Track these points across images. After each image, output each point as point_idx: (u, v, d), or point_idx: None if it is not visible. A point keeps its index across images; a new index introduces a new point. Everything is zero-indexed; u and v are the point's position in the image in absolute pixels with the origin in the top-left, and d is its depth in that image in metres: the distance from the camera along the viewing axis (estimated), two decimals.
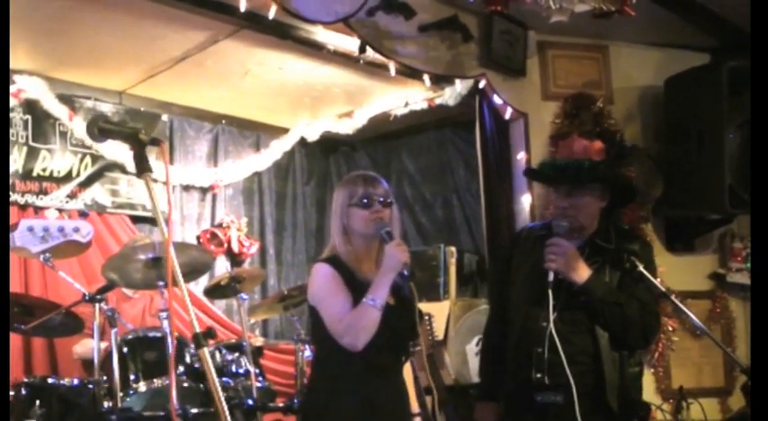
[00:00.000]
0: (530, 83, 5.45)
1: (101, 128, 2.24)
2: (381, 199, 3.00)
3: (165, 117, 6.29)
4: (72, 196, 5.70)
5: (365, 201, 2.97)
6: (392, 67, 5.10)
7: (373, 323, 2.83)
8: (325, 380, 3.01)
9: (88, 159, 5.81)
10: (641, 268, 3.20)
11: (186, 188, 6.42)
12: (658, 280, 3.33)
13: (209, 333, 1.92)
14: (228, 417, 1.91)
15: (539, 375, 3.20)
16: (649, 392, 5.09)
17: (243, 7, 4.35)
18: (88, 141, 5.66)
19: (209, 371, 1.94)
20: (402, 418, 3.12)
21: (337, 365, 2.94)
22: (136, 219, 6.08)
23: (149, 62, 5.51)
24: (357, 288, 2.92)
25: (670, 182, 5.40)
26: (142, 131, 2.23)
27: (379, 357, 2.93)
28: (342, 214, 3.01)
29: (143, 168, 2.20)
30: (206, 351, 2.05)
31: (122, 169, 5.94)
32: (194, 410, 3.99)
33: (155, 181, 2.22)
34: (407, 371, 3.28)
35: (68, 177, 5.70)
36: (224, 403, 1.89)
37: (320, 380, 3.06)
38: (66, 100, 5.67)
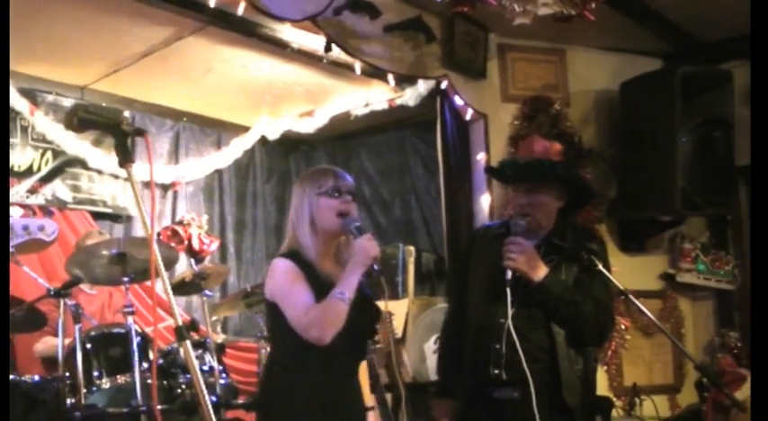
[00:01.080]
0: (489, 85, 5.54)
1: (81, 118, 2.18)
2: (349, 192, 2.96)
3: (126, 113, 6.20)
4: (33, 191, 5.63)
5: (335, 192, 2.91)
6: (358, 66, 5.13)
7: (341, 317, 2.75)
8: (281, 380, 2.92)
9: (49, 154, 5.73)
10: (600, 266, 3.28)
11: (147, 185, 6.38)
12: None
13: (192, 325, 1.94)
14: (211, 409, 1.91)
15: (496, 371, 3.22)
16: (603, 389, 5.22)
17: (213, 3, 4.36)
18: (49, 136, 5.63)
19: (192, 364, 1.93)
20: (356, 418, 3.07)
21: (293, 365, 2.87)
22: (97, 216, 6.03)
23: (112, 57, 5.47)
24: (317, 284, 2.84)
25: (624, 183, 5.53)
26: (125, 121, 2.19)
27: (336, 358, 2.87)
28: (310, 203, 2.92)
29: (125, 158, 2.17)
30: (189, 344, 2.04)
31: (83, 165, 5.88)
32: (158, 407, 3.97)
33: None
34: (362, 366, 3.27)
35: (29, 172, 5.63)
36: (207, 395, 1.89)
37: (275, 378, 2.96)
38: (27, 94, 5.59)
